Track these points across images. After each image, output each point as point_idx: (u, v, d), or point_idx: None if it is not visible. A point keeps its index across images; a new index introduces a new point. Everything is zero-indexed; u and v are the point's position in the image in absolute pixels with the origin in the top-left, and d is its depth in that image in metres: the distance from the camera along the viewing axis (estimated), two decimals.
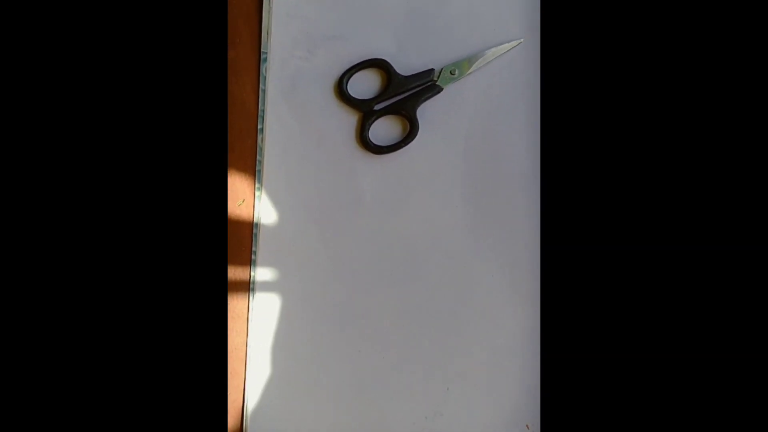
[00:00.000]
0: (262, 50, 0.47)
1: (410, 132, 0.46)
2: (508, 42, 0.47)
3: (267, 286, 0.46)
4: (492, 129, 0.47)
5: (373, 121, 0.47)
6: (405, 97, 0.46)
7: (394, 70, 0.46)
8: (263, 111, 0.47)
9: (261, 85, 0.47)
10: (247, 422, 0.46)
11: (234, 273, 0.47)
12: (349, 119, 0.47)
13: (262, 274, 0.46)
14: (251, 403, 0.46)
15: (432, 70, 0.46)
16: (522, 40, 0.47)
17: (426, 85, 0.46)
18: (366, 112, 0.46)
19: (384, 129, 0.47)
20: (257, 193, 0.47)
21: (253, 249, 0.47)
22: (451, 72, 0.46)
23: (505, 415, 0.47)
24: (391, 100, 0.47)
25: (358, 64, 0.46)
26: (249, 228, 0.47)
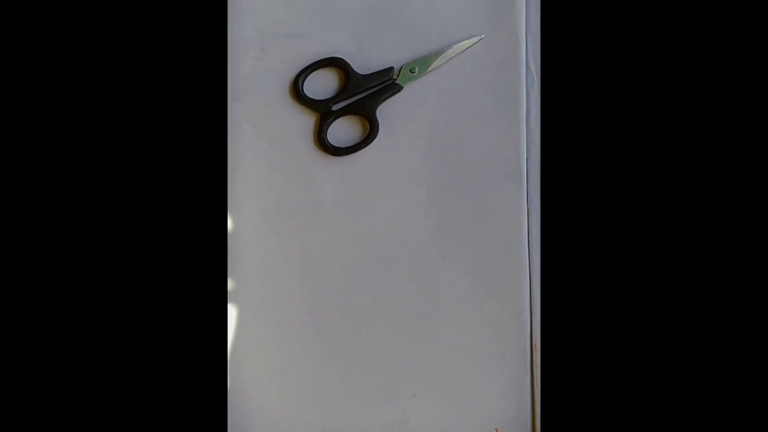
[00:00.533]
0: None
1: (370, 132, 0.44)
2: (469, 38, 0.44)
3: (228, 296, 0.45)
4: (454, 127, 0.45)
5: (332, 122, 0.45)
6: (364, 97, 0.44)
7: (352, 69, 0.44)
8: None
9: None
10: None
11: None
12: (306, 120, 0.45)
13: None
14: None
15: (391, 68, 0.44)
16: (483, 36, 0.44)
17: (385, 84, 0.44)
18: (324, 112, 0.44)
19: (343, 130, 0.45)
20: None
21: None
22: (410, 70, 0.44)
23: (474, 418, 0.46)
24: (349, 100, 0.45)
25: (314, 63, 0.44)
26: None
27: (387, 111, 0.45)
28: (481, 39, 0.44)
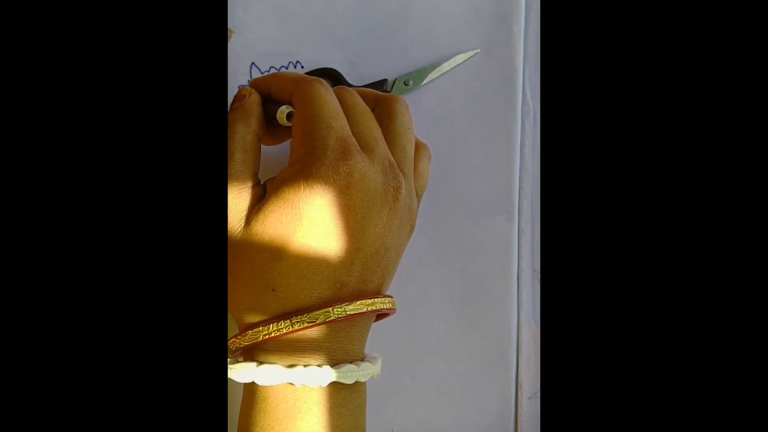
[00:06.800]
0: None
1: None
2: (464, 52, 0.44)
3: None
4: (445, 151, 0.45)
5: None
6: None
7: (345, 80, 0.44)
8: None
9: None
10: None
11: None
12: None
13: None
14: None
15: (385, 80, 0.44)
16: (478, 50, 0.44)
17: None
18: None
19: None
20: None
21: None
22: (405, 83, 0.44)
23: None
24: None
25: (307, 74, 0.44)
26: None
27: None
28: (476, 53, 0.44)
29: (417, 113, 0.44)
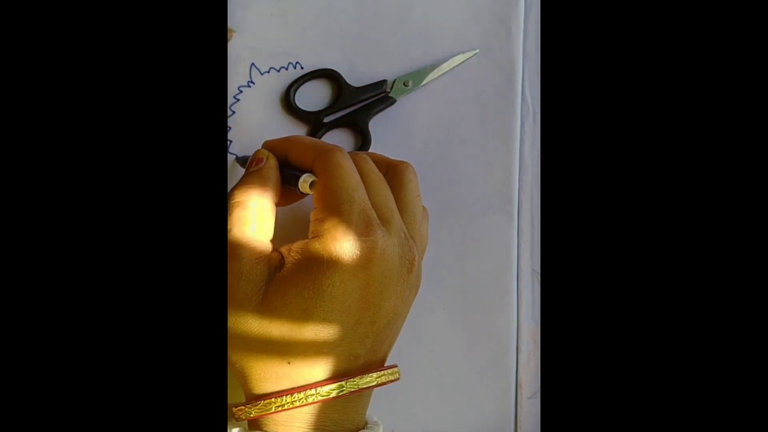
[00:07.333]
0: None
1: (362, 146, 0.44)
2: (464, 53, 0.44)
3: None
4: (445, 152, 0.45)
5: (323, 135, 0.44)
6: (356, 110, 0.44)
7: (345, 81, 0.44)
8: None
9: None
10: None
11: None
12: (298, 132, 0.44)
13: None
14: None
15: (385, 81, 0.44)
16: (478, 51, 0.44)
17: (378, 96, 0.44)
18: (315, 125, 0.44)
19: (334, 143, 0.44)
20: None
21: None
22: (404, 83, 0.44)
23: None
24: (341, 113, 0.44)
25: (306, 75, 0.44)
26: None
27: (379, 124, 0.44)
28: (476, 54, 0.44)
29: (417, 113, 0.45)
